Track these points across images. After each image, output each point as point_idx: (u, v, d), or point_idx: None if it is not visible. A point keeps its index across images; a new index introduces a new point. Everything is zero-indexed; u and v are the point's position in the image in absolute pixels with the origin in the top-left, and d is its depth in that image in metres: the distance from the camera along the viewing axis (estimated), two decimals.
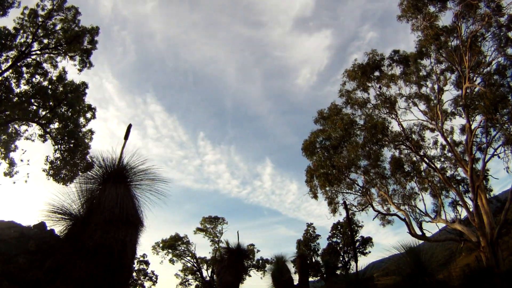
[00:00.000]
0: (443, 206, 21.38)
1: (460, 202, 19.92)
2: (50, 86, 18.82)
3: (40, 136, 19.14)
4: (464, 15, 18.44)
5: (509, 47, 18.45)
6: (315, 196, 22.61)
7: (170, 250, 35.99)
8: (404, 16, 20.43)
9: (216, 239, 36.61)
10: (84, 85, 19.65)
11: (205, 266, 36.55)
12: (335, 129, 22.38)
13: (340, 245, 36.61)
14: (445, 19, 54.39)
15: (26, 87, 18.30)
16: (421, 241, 18.51)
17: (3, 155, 18.47)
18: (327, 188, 22.36)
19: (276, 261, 12.13)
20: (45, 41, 18.94)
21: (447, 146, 21.55)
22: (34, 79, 18.65)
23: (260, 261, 36.74)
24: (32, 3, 18.55)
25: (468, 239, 18.28)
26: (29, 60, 18.60)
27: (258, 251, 37.05)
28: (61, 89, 18.96)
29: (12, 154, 18.80)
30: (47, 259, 4.70)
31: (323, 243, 38.30)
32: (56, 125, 18.91)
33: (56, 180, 18.75)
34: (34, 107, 18.35)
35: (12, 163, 18.67)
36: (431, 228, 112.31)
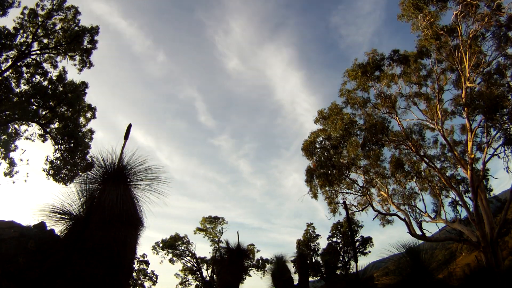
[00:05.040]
0: (443, 206, 21.41)
1: (460, 202, 19.91)
2: (50, 86, 18.80)
3: (40, 136, 19.14)
4: (464, 15, 18.42)
5: (509, 46, 18.44)
6: (315, 196, 22.63)
7: (170, 250, 35.98)
8: (405, 15, 20.40)
9: (216, 239, 36.61)
10: (84, 84, 19.63)
11: (205, 266, 36.55)
12: (335, 129, 22.36)
13: (340, 245, 36.61)
14: (445, 18, 54.43)
15: (26, 87, 18.31)
16: (421, 241, 18.51)
17: (3, 155, 18.46)
18: (327, 188, 22.36)
19: (276, 261, 12.13)
20: (45, 41, 18.93)
21: (447, 146, 21.54)
22: (34, 79, 18.65)
23: (260, 261, 36.73)
24: (32, 3, 18.52)
25: (468, 239, 18.27)
26: (29, 60, 18.59)
27: (258, 251, 37.08)
28: (61, 89, 18.94)
29: (12, 154, 18.80)
30: (47, 259, 4.70)
31: (323, 243, 38.34)
32: (56, 125, 18.90)
33: (56, 180, 18.73)
34: (34, 107, 18.33)
35: (12, 163, 18.66)
36: (431, 228, 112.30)
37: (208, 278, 35.27)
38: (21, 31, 18.04)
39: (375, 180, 22.88)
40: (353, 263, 31.92)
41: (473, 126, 18.90)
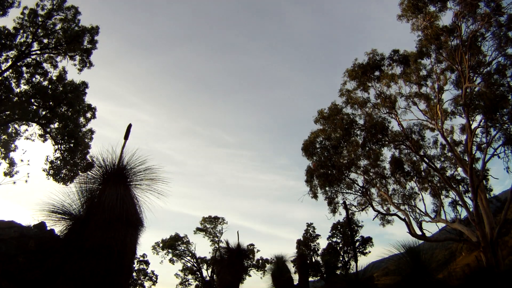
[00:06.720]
0: (443, 206, 21.38)
1: (460, 202, 19.90)
2: (50, 86, 18.79)
3: (40, 136, 19.13)
4: (464, 14, 18.41)
5: (509, 46, 18.43)
6: (315, 196, 22.61)
7: (170, 250, 36.00)
8: (404, 15, 20.38)
9: (216, 239, 36.63)
10: (84, 84, 19.61)
11: (205, 266, 36.57)
12: (335, 129, 22.37)
13: (340, 245, 36.60)
14: (445, 18, 54.46)
15: (26, 87, 18.29)
16: (421, 241, 18.51)
17: (3, 155, 18.47)
18: (327, 188, 22.35)
19: (276, 261, 12.16)
20: (45, 41, 18.91)
21: (447, 146, 21.53)
22: (34, 79, 18.64)
23: (260, 261, 36.73)
24: (32, 3, 18.53)
25: (468, 239, 18.26)
26: (29, 60, 18.58)
27: (258, 251, 37.07)
28: (61, 89, 18.93)
29: (12, 154, 18.80)
30: (47, 259, 4.70)
31: (323, 243, 38.35)
32: (56, 125, 18.88)
33: (56, 180, 18.72)
34: (34, 107, 18.33)
35: (12, 163, 18.67)
36: (431, 228, 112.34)
37: (208, 278, 35.29)
38: (21, 31, 18.03)
39: (375, 180, 22.88)
40: (353, 263, 31.96)
41: (473, 126, 18.90)
